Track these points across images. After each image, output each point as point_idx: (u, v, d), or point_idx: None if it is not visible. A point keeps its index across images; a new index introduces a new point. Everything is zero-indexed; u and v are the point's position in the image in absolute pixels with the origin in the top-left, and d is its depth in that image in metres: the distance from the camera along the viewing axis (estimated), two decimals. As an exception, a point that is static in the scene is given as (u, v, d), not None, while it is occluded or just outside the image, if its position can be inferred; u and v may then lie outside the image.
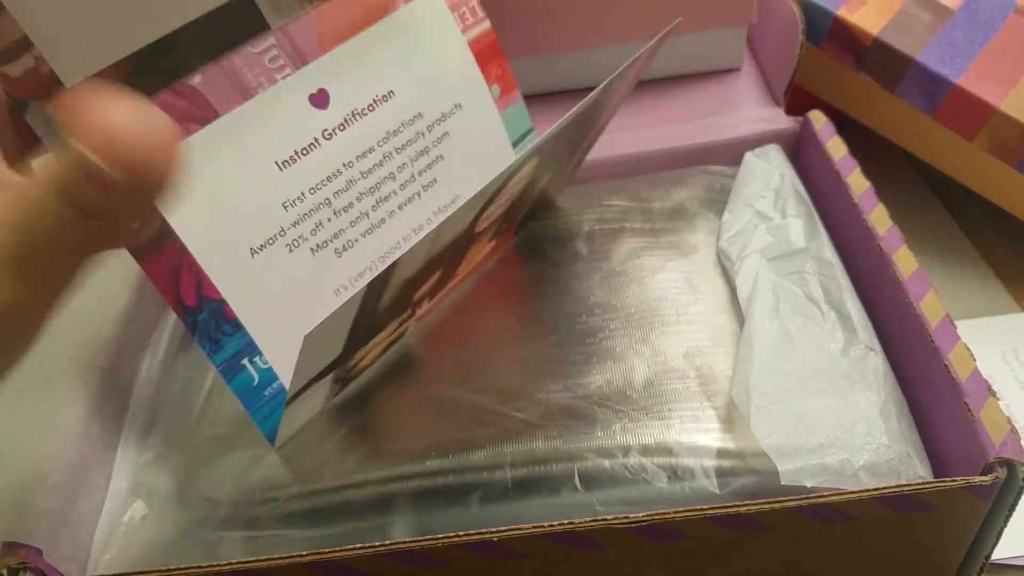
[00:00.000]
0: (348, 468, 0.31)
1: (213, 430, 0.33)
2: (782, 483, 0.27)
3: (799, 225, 0.35)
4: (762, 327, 0.32)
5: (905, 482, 0.28)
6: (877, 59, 0.43)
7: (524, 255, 0.37)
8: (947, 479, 0.26)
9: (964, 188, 0.44)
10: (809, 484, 0.27)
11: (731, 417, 0.30)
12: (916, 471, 0.28)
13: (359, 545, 0.26)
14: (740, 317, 0.33)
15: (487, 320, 0.35)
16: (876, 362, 0.31)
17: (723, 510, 0.26)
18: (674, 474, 0.29)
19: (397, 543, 0.26)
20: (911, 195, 0.48)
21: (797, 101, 0.42)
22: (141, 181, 0.18)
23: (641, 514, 0.26)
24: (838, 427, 0.29)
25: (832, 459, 0.28)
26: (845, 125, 0.40)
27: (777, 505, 0.26)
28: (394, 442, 0.31)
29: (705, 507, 0.26)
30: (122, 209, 0.19)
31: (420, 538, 0.26)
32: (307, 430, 0.32)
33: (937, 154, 0.44)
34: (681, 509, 0.26)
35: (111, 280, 0.37)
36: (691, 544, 0.27)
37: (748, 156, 0.39)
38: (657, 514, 0.26)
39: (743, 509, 0.26)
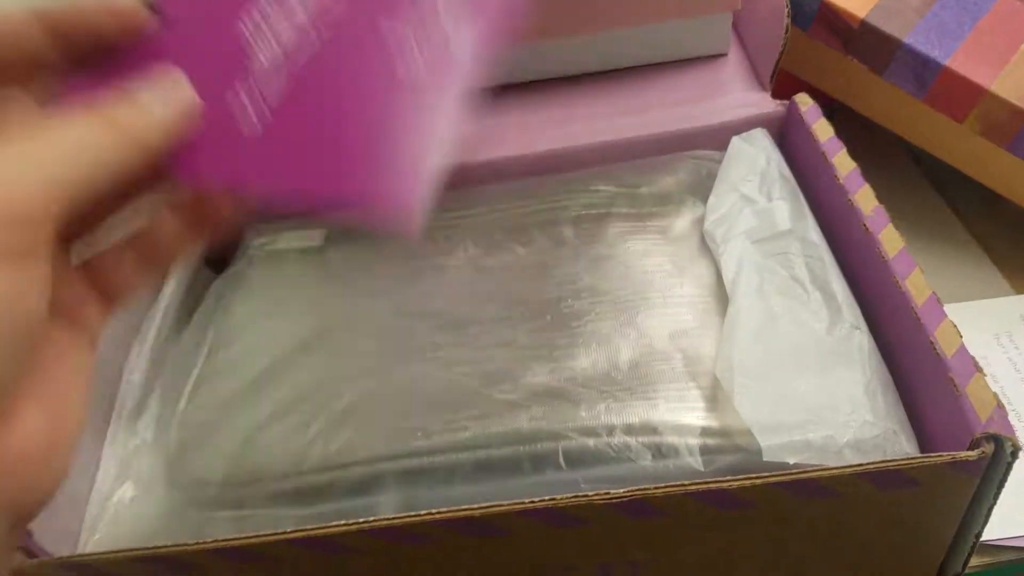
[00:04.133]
0: (335, 449, 0.31)
1: (202, 415, 0.33)
2: (764, 459, 0.27)
3: (784, 207, 0.35)
4: (746, 307, 0.32)
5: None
6: (865, 42, 0.42)
7: (511, 240, 0.37)
8: (932, 454, 0.26)
9: (956, 171, 0.44)
10: (792, 461, 0.27)
11: (716, 396, 0.30)
12: (902, 448, 0.28)
13: (344, 522, 0.26)
14: (726, 299, 0.33)
15: (472, 305, 0.35)
16: (861, 340, 0.31)
17: (704, 486, 0.26)
18: (658, 452, 0.29)
19: (382, 519, 0.26)
20: (903, 180, 0.48)
21: (787, 87, 0.42)
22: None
23: (623, 490, 0.26)
24: (822, 405, 0.29)
25: (816, 436, 0.28)
26: (836, 111, 0.40)
27: (759, 481, 0.26)
28: (380, 423, 0.31)
29: (687, 483, 0.26)
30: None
31: (404, 515, 0.26)
32: (295, 410, 0.32)
33: (927, 137, 0.44)
34: (662, 485, 0.26)
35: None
36: (672, 520, 0.27)
37: (735, 140, 0.39)
38: (638, 490, 0.26)
39: (724, 485, 0.26)
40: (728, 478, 0.26)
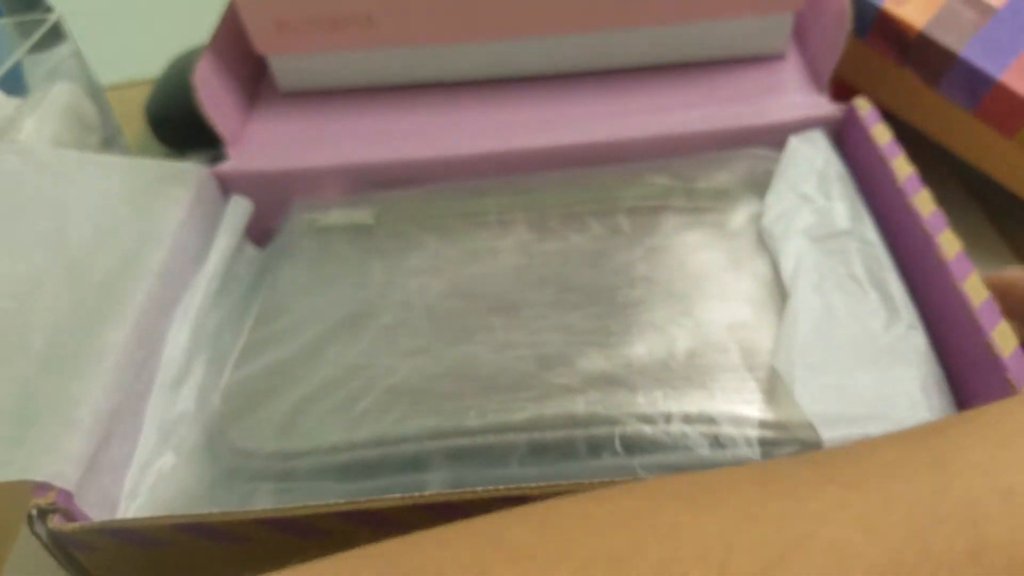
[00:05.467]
0: (386, 424, 0.30)
1: (248, 385, 0.33)
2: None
3: (843, 207, 0.35)
4: (805, 302, 0.31)
5: None
6: (921, 53, 0.42)
7: (565, 227, 0.37)
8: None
9: (1006, 194, 0.44)
10: None
11: (774, 389, 0.30)
12: None
13: (397, 496, 0.26)
14: (783, 295, 0.33)
15: (525, 288, 0.35)
16: (918, 340, 0.31)
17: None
18: (716, 442, 0.28)
19: (436, 494, 0.26)
20: (948, 197, 0.47)
21: (836, 95, 0.42)
22: None
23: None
24: (881, 400, 0.29)
25: (875, 430, 0.28)
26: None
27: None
28: (432, 401, 0.31)
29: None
30: None
31: (459, 490, 0.26)
32: (344, 384, 0.32)
33: (975, 151, 0.44)
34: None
35: (143, 238, 0.37)
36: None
37: (792, 139, 0.39)
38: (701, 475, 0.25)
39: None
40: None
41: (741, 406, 0.29)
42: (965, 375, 0.30)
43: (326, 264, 0.37)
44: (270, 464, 0.30)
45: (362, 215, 0.39)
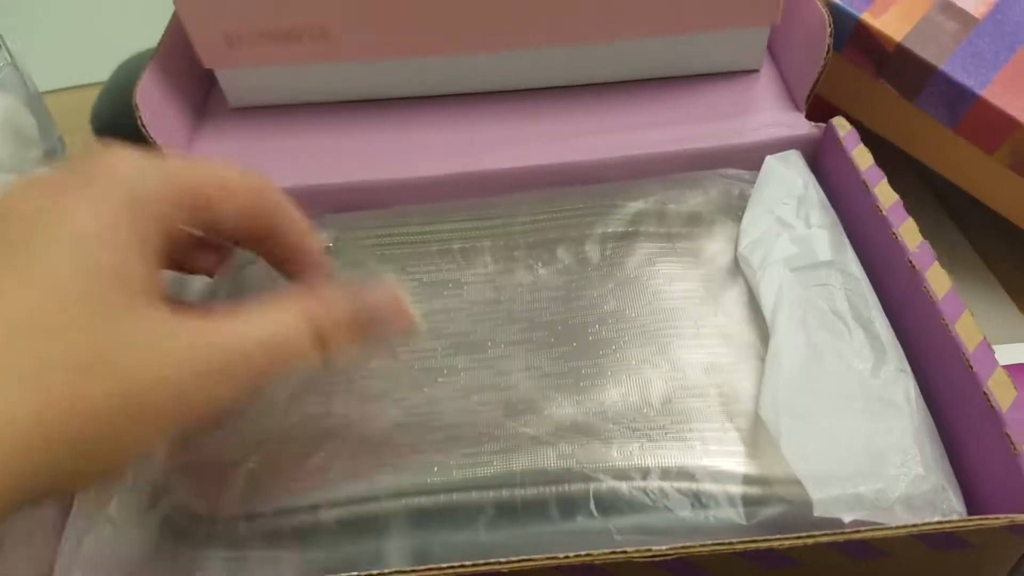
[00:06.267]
0: (340, 483, 0.28)
1: (194, 437, 0.31)
2: (816, 514, 0.25)
3: (824, 236, 0.34)
4: (789, 341, 0.30)
5: (942, 517, 0.26)
6: (899, 67, 0.41)
7: (532, 257, 0.35)
8: (989, 516, 0.25)
9: (979, 206, 0.43)
10: (846, 518, 0.25)
11: (756, 440, 0.28)
12: (951, 503, 0.27)
13: (353, 574, 0.24)
14: (762, 331, 0.31)
15: (491, 326, 0.33)
16: (908, 385, 0.29)
17: (753, 544, 0.24)
18: (697, 501, 0.27)
19: (396, 572, 0.24)
20: (921, 211, 0.46)
21: (811, 109, 0.40)
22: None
23: (665, 547, 0.24)
24: (872, 454, 0.27)
25: (867, 489, 0.26)
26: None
27: (811, 540, 0.24)
28: (391, 455, 0.29)
29: (735, 541, 0.24)
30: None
31: (423, 567, 0.24)
32: (299, 436, 0.30)
33: (955, 168, 0.42)
34: (709, 543, 0.24)
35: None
36: (718, 580, 0.25)
37: (769, 160, 0.37)
38: (683, 547, 0.24)
39: (775, 544, 0.24)
40: (778, 536, 0.24)
41: (722, 459, 0.28)
42: (957, 425, 0.29)
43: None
44: (217, 529, 0.28)
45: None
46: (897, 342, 0.31)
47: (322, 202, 0.39)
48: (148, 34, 0.44)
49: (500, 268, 0.35)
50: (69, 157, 0.50)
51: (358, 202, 0.39)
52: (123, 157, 0.24)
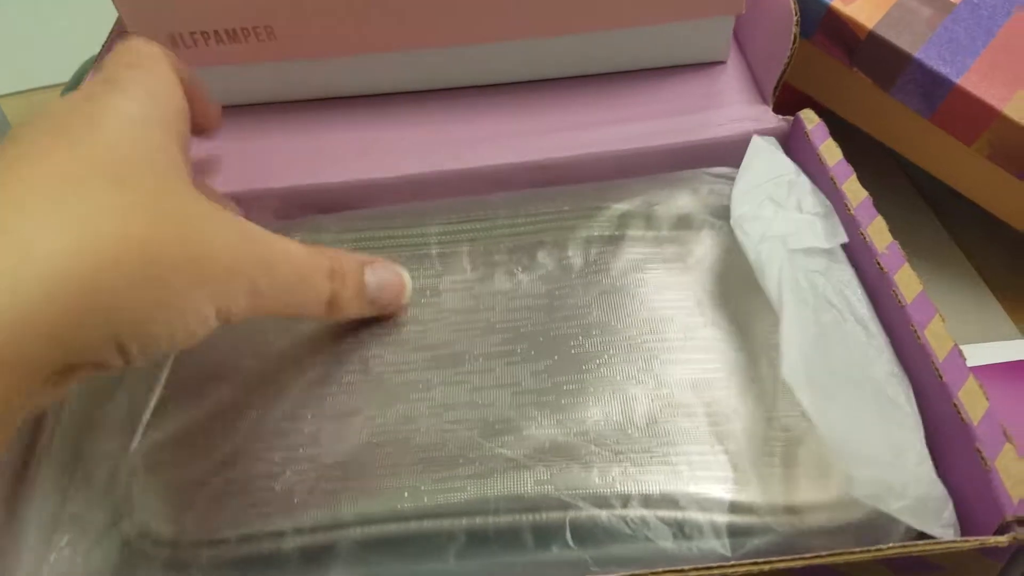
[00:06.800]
0: (308, 508, 0.27)
1: (156, 455, 0.29)
2: (854, 494, 0.24)
3: (818, 224, 0.32)
4: (799, 315, 0.28)
5: (941, 531, 0.25)
6: (872, 55, 0.39)
7: (513, 262, 0.34)
8: (958, 539, 0.24)
9: (959, 197, 0.41)
10: (886, 507, 0.24)
11: (745, 464, 0.27)
12: (951, 515, 0.26)
13: None
14: (754, 343, 0.30)
15: (469, 337, 0.31)
16: (906, 388, 0.28)
17: (733, 570, 0.23)
18: (680, 531, 0.25)
19: None
20: (900, 203, 0.45)
21: (781, 97, 0.39)
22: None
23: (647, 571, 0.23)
24: (891, 447, 0.26)
25: (896, 481, 0.25)
26: (830, 124, 0.37)
27: (767, 567, 0.23)
28: (360, 478, 0.28)
29: (722, 565, 0.23)
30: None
31: None
32: (263, 460, 0.29)
33: (933, 159, 0.41)
34: (690, 567, 0.23)
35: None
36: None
37: (756, 139, 0.35)
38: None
39: (728, 571, 0.23)
40: (737, 563, 0.23)
41: (709, 486, 0.26)
42: (929, 436, 0.27)
43: None
44: (172, 552, 0.27)
45: None
46: (888, 341, 0.29)
47: (294, 203, 0.38)
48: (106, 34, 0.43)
49: (479, 275, 0.33)
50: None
51: (331, 203, 0.38)
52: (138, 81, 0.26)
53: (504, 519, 0.26)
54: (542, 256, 0.34)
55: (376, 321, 0.32)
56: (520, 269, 0.34)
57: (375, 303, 0.31)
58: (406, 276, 0.32)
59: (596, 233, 0.34)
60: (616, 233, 0.34)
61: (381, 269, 0.31)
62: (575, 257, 0.34)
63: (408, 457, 0.28)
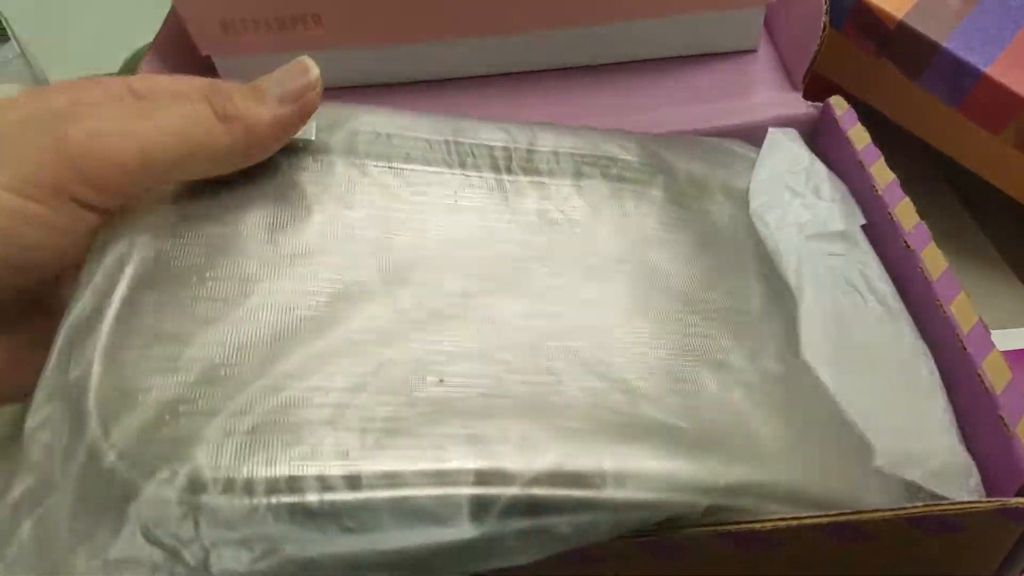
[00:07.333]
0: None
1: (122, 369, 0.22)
2: (877, 464, 0.25)
3: (835, 210, 0.33)
4: (818, 298, 0.29)
5: (941, 500, 0.25)
6: (901, 45, 0.40)
7: (536, 190, 0.31)
8: (980, 500, 0.24)
9: (987, 185, 0.42)
10: (909, 476, 0.25)
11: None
12: (976, 482, 0.26)
13: None
14: (753, 342, 0.29)
15: (466, 279, 0.28)
16: (929, 360, 0.29)
17: (736, 527, 0.24)
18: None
19: None
20: (929, 192, 0.45)
21: (811, 87, 0.40)
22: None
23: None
24: (913, 418, 0.27)
25: (920, 449, 0.26)
26: (860, 115, 0.37)
27: (795, 522, 0.24)
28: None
29: (715, 524, 0.24)
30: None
31: None
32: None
33: (959, 148, 0.42)
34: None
35: None
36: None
37: (773, 131, 0.36)
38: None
39: (757, 526, 0.24)
40: (761, 519, 0.24)
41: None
42: (954, 407, 0.28)
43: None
44: None
45: (306, 129, 0.30)
46: (910, 318, 0.30)
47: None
48: (159, 23, 0.44)
49: (498, 200, 0.30)
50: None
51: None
52: None
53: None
54: (554, 189, 0.31)
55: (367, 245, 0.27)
56: (538, 197, 0.30)
57: (284, 98, 0.27)
58: (304, 58, 0.29)
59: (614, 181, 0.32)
60: (640, 187, 0.32)
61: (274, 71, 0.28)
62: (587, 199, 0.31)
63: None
